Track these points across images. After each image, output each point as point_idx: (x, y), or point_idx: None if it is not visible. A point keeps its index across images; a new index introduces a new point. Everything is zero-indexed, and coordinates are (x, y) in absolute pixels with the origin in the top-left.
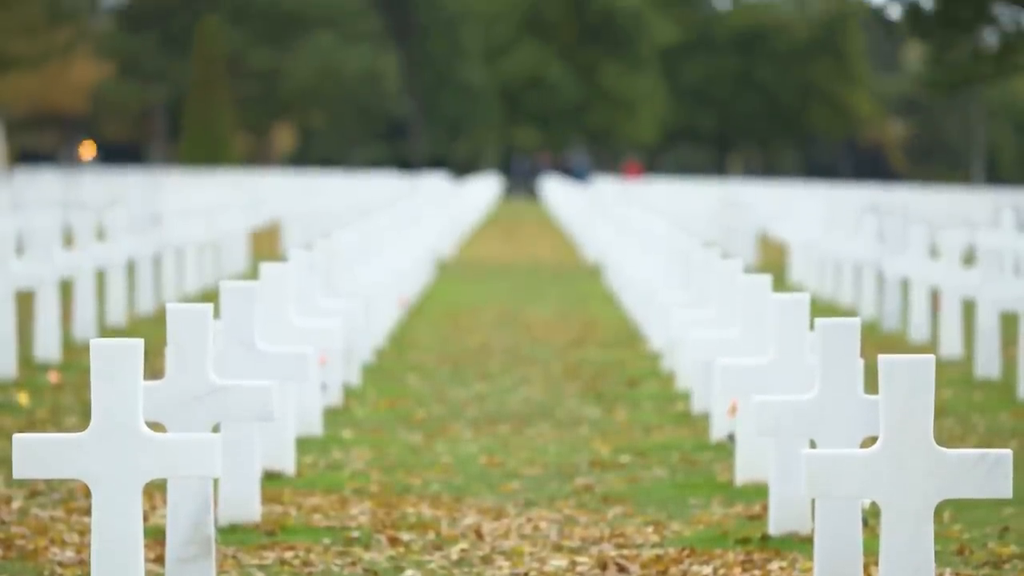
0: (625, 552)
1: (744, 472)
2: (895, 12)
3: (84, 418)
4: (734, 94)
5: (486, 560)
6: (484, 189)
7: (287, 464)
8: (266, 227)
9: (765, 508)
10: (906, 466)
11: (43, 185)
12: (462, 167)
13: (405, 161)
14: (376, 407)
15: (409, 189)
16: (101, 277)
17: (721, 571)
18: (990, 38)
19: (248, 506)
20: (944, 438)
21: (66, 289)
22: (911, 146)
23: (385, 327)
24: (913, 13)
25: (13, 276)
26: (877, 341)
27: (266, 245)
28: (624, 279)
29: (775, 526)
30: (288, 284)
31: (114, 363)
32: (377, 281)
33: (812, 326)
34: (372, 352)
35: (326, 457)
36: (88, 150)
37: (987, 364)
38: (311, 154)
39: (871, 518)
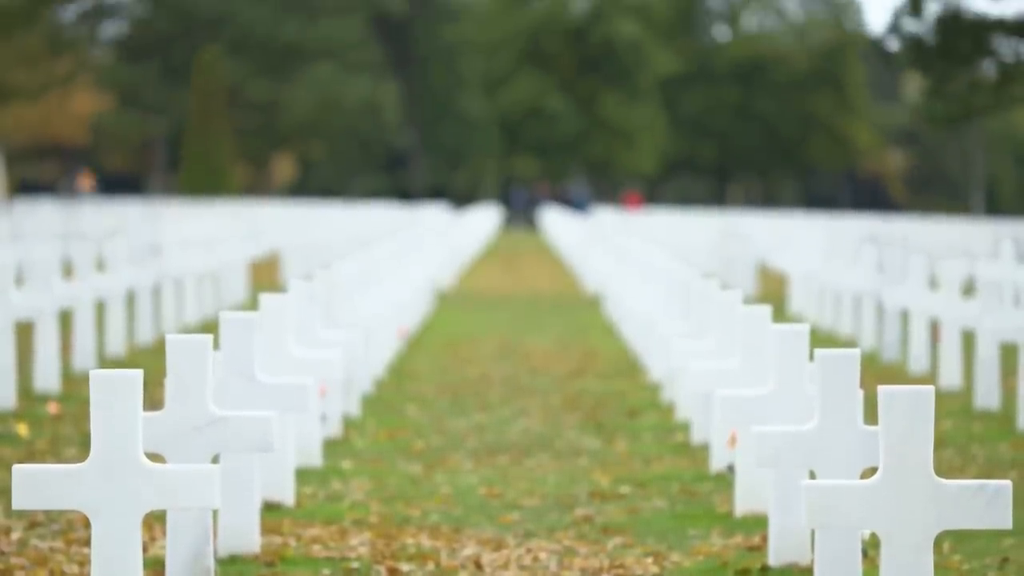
0: None
1: (744, 503)
2: (894, 44)
3: (84, 449)
4: (734, 125)
5: None
6: (484, 220)
7: (286, 495)
8: (266, 258)
9: (765, 539)
10: (906, 497)
11: (43, 216)
12: (462, 198)
13: (405, 192)
14: (376, 438)
15: (409, 220)
16: (101, 308)
17: None
18: (989, 70)
19: (247, 537)
20: (944, 469)
21: (66, 320)
22: (911, 177)
23: (385, 358)
24: (912, 44)
25: (13, 307)
26: (877, 372)
27: (266, 276)
28: (624, 310)
29: (775, 557)
30: (288, 315)
31: (114, 394)
32: (377, 312)
33: (812, 357)
34: (372, 383)
35: (325, 488)
36: (88, 181)
37: (987, 395)
38: (311, 185)
39: (871, 549)
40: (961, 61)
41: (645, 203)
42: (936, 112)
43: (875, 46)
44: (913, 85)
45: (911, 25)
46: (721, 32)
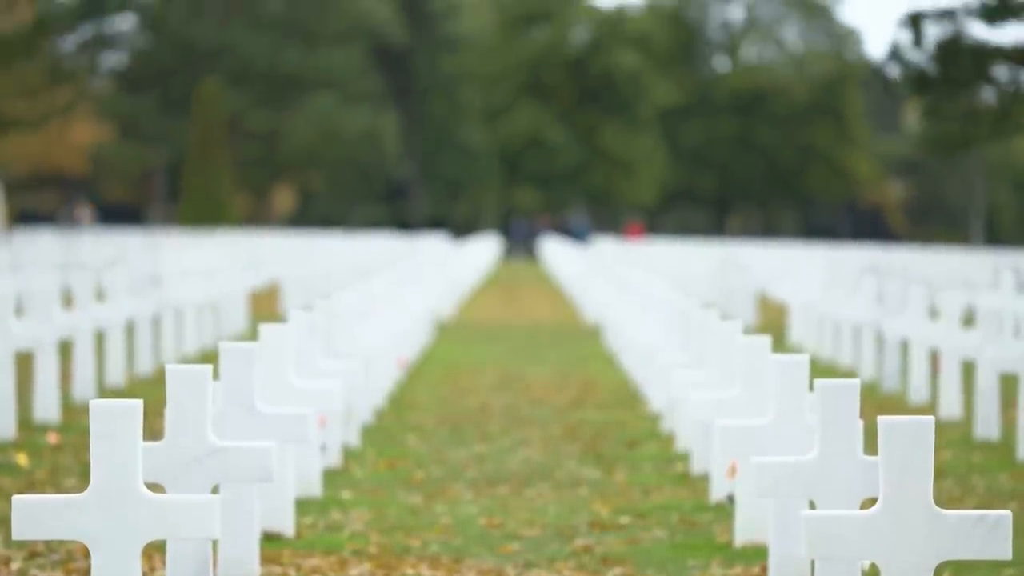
0: None
1: (744, 533)
2: (895, 70)
3: (83, 479)
4: (733, 156)
5: None
6: (484, 250)
7: (286, 525)
8: (265, 288)
9: (765, 569)
10: (906, 527)
11: (42, 246)
12: (462, 228)
13: (405, 222)
14: (375, 468)
15: (409, 250)
16: (100, 338)
17: None
18: (988, 98)
19: (247, 567)
20: (943, 499)
21: (65, 350)
22: (910, 207)
23: (384, 388)
24: (912, 71)
25: (12, 337)
26: (877, 402)
27: (266, 306)
28: (624, 340)
29: None
30: (287, 345)
31: (113, 424)
32: (376, 342)
33: (812, 387)
34: (371, 413)
35: (325, 518)
36: (88, 211)
37: (986, 425)
38: (311, 215)
39: None
40: (961, 87)
41: (646, 233)
42: (935, 138)
43: (875, 73)
44: (913, 115)
45: (911, 51)
46: (721, 63)
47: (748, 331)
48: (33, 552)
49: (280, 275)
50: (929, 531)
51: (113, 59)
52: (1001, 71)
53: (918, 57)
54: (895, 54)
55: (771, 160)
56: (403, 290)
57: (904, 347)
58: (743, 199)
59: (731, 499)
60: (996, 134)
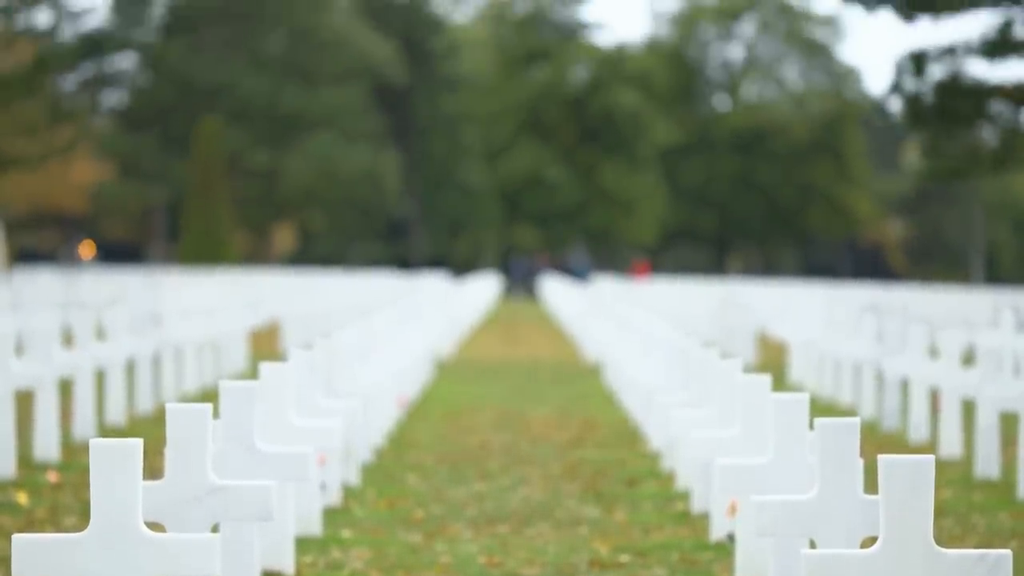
0: None
1: (744, 572)
2: (895, 105)
3: (83, 518)
4: (734, 194)
5: None
6: (484, 288)
7: (286, 564)
8: (266, 326)
9: None
10: (906, 566)
11: (43, 284)
12: (461, 266)
13: (405, 260)
14: (375, 507)
15: (408, 288)
16: (100, 376)
17: None
18: (988, 135)
19: None
20: (944, 538)
21: (65, 388)
22: (910, 246)
23: (384, 427)
24: (913, 106)
25: (13, 375)
26: (877, 441)
27: (266, 345)
28: (624, 379)
29: None
30: (288, 384)
31: (113, 463)
32: (376, 381)
33: (812, 426)
34: (371, 452)
35: (325, 557)
36: (88, 249)
37: (987, 464)
38: (311, 253)
39: None
40: (961, 123)
41: (652, 272)
42: (935, 170)
43: (875, 107)
44: (913, 153)
45: (911, 86)
46: (721, 102)
47: (748, 370)
48: None
49: (280, 313)
50: (929, 570)
51: (113, 98)
52: (1001, 108)
53: (919, 94)
54: (896, 88)
55: (771, 199)
56: (403, 329)
57: (904, 386)
58: (743, 238)
59: (731, 538)
60: (995, 168)
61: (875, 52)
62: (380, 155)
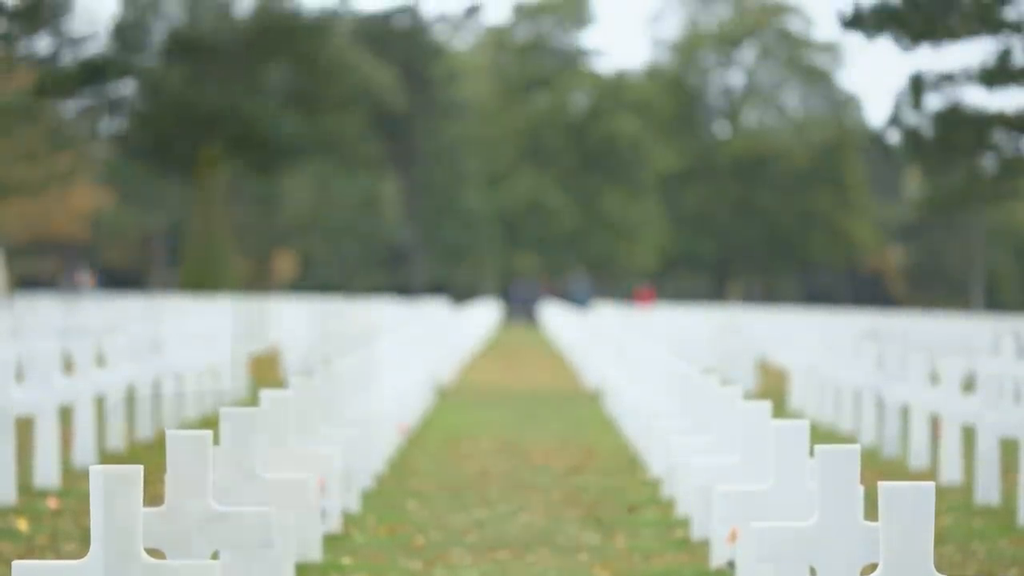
0: None
1: None
2: (895, 136)
3: (84, 544)
4: (734, 221)
5: None
6: (484, 315)
7: None
8: (266, 353)
9: None
10: None
11: (43, 311)
12: (462, 293)
13: (405, 287)
14: (376, 533)
15: (409, 315)
16: (100, 403)
17: None
18: (989, 163)
19: None
20: (944, 565)
21: (66, 415)
22: (911, 272)
23: (385, 453)
24: (913, 137)
25: (13, 402)
26: (877, 467)
27: (266, 371)
28: (624, 405)
29: None
30: (288, 411)
31: (114, 489)
32: (377, 407)
33: (812, 452)
34: (372, 478)
35: None
36: (88, 277)
37: (987, 491)
38: (311, 280)
39: None
40: (961, 153)
41: (656, 298)
42: (935, 200)
43: (875, 138)
44: (913, 180)
45: (911, 117)
46: (721, 128)
47: (748, 396)
48: None
49: (281, 340)
50: None
51: (114, 124)
52: (1001, 137)
53: (918, 121)
54: (895, 119)
55: (772, 225)
56: (403, 355)
57: (904, 412)
58: (744, 264)
59: (732, 565)
60: (995, 196)
61: (875, 79)
62: (380, 182)
